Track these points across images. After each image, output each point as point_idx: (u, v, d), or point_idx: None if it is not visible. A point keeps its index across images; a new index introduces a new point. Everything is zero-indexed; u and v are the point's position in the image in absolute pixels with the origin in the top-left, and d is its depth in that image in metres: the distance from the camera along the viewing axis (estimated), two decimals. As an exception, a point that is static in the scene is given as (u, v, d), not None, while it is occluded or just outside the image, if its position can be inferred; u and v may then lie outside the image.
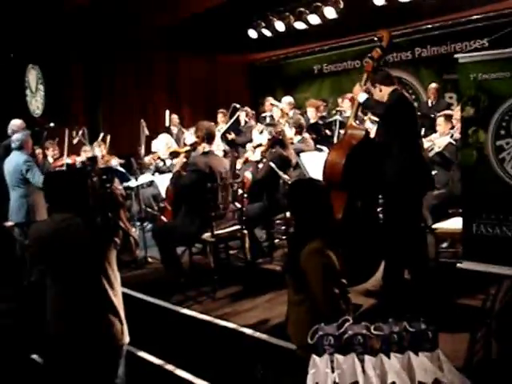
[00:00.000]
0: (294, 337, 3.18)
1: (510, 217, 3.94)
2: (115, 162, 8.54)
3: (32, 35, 10.16)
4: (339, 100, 9.15)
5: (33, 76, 11.56)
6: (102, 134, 9.39)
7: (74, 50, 11.28)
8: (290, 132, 7.27)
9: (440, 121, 6.54)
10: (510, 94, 3.89)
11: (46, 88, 11.30)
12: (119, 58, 11.92)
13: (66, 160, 8.03)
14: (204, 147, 5.78)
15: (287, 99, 9.59)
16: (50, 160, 8.84)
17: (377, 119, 5.53)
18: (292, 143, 7.01)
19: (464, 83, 4.16)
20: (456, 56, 4.22)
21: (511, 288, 4.30)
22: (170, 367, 4.44)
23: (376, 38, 5.09)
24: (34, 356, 4.78)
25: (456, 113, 6.26)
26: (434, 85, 9.55)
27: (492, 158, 4.01)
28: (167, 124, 9.95)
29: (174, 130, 10.04)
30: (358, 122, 5.40)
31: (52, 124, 8.73)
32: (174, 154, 6.65)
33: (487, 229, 4.05)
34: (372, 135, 5.16)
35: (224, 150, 8.40)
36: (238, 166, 8.13)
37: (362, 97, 4.94)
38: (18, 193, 6.38)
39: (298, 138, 7.30)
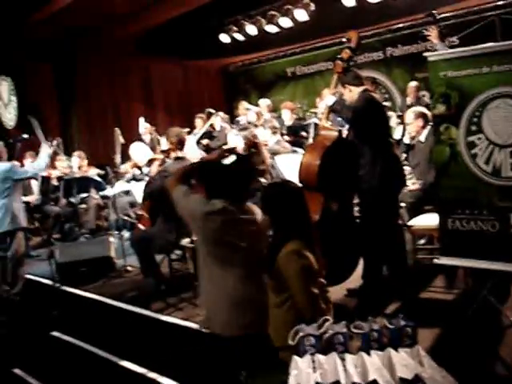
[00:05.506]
0: (276, 338, 3.17)
1: (483, 211, 4.00)
2: (94, 172, 8.50)
3: (2, 46, 10.06)
4: (317, 100, 9.19)
5: (4, 88, 11.44)
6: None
7: (45, 60, 11.21)
8: (265, 134, 7.28)
9: (409, 118, 6.20)
10: (480, 91, 3.94)
11: (19, 99, 11.20)
12: (92, 67, 11.86)
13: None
14: (176, 153, 5.77)
15: (265, 102, 9.66)
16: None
17: None
18: (266, 145, 7.01)
19: (434, 81, 4.20)
20: (425, 54, 4.26)
21: (488, 282, 4.35)
22: (152, 375, 4.42)
23: (345, 39, 5.13)
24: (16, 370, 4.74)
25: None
26: (413, 83, 9.16)
27: (464, 153, 4.06)
28: (141, 131, 9.90)
29: (147, 137, 9.95)
30: (330, 122, 5.40)
31: (26, 135, 8.64)
32: (150, 162, 6.63)
33: (462, 224, 4.10)
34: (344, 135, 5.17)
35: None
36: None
37: (329, 100, 4.93)
38: (1, 202, 6.30)
39: (274, 139, 7.31)
